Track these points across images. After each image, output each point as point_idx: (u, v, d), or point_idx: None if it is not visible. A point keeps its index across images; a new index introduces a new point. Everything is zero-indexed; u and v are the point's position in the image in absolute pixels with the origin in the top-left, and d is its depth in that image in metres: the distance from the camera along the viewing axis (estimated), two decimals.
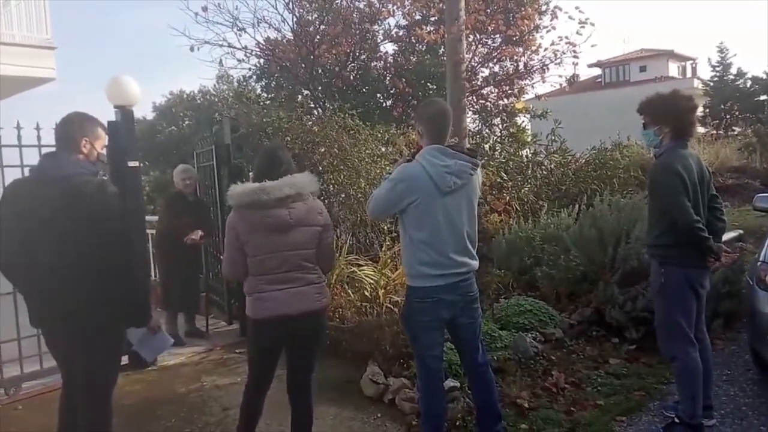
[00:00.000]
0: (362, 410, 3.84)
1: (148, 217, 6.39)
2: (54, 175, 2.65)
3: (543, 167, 8.66)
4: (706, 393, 3.32)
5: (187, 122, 24.03)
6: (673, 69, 34.89)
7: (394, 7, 12.79)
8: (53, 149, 2.87)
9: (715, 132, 23.03)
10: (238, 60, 12.80)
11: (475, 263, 3.09)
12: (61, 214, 2.56)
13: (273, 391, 3.11)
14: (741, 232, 7.73)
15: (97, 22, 57.60)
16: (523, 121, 12.97)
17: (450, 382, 3.68)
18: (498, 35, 11.73)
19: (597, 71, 35.11)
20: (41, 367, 4.35)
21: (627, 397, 3.89)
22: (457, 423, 3.50)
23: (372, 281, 5.34)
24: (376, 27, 13.67)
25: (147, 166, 20.64)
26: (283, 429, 3.38)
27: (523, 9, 11.12)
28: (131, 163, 4.65)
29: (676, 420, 3.28)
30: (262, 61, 13.67)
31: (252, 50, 12.69)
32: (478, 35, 11.48)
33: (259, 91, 15.23)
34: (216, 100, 20.99)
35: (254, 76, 14.82)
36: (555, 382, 4.05)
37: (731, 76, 29.05)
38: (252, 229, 2.83)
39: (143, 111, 26.73)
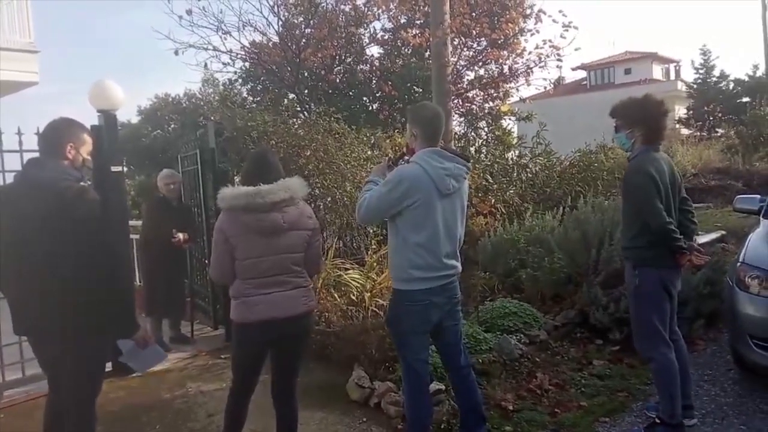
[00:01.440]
0: (348, 414, 3.84)
1: (132, 222, 6.35)
2: (38, 182, 2.64)
3: (528, 170, 8.72)
4: (685, 393, 3.36)
5: (172, 126, 23.89)
6: (657, 71, 35.25)
7: (380, 11, 12.85)
8: (36, 155, 2.85)
9: (698, 133, 23.30)
10: (224, 63, 12.82)
11: (460, 265, 3.12)
12: (45, 221, 2.55)
13: (257, 396, 3.10)
14: (723, 232, 7.83)
15: (83, 26, 57.17)
16: (508, 124, 13.07)
17: (435, 386, 3.69)
18: (483, 38, 11.81)
19: (582, 74, 35.40)
20: (23, 375, 4.32)
21: (610, 397, 3.93)
22: (442, 426, 3.51)
23: (358, 285, 5.34)
24: (361, 30, 13.74)
25: (132, 170, 20.51)
26: None
27: (507, 12, 11.22)
28: (114, 168, 4.62)
29: (657, 420, 3.32)
30: (247, 64, 13.69)
31: (237, 53, 12.70)
32: (463, 38, 11.54)
33: (245, 94, 15.23)
34: (202, 103, 20.94)
35: (240, 80, 14.82)
36: (539, 384, 4.08)
37: (714, 79, 29.38)
38: (244, 231, 2.82)
39: (128, 114, 26.53)
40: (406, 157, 3.27)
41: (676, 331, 3.45)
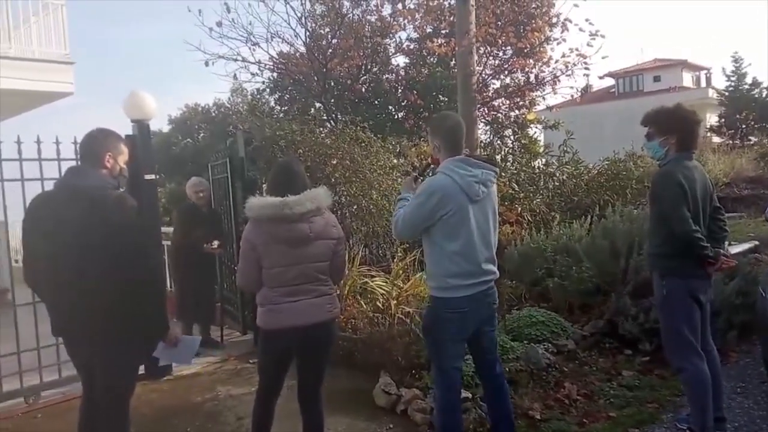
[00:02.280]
0: (374, 420, 3.86)
1: (163, 229, 6.49)
2: (77, 189, 2.73)
3: (555, 178, 8.66)
4: (717, 405, 3.30)
5: (202, 135, 24.33)
6: (688, 79, 34.73)
7: (405, 21, 12.93)
8: (73, 163, 2.94)
9: (730, 142, 22.88)
10: (252, 74, 13.02)
11: (497, 271, 3.14)
12: (82, 227, 2.64)
13: (284, 400, 3.16)
14: (756, 243, 7.66)
15: (115, 37, 58.62)
16: (534, 132, 13.00)
17: (462, 393, 3.69)
18: (509, 47, 11.81)
19: (610, 81, 35.03)
20: (60, 377, 4.44)
21: (640, 409, 3.88)
22: None
23: (384, 292, 5.37)
24: (387, 40, 13.84)
25: (162, 178, 20.90)
26: None
27: (533, 21, 11.21)
28: (147, 176, 4.74)
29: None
30: (275, 74, 13.88)
31: (265, 64, 12.89)
32: (488, 47, 11.57)
33: (272, 103, 15.44)
34: (230, 113, 21.28)
35: (267, 90, 15.03)
36: (567, 394, 4.05)
37: (746, 86, 28.86)
38: (271, 241, 2.88)
39: (159, 124, 27.06)
40: (432, 167, 3.30)
41: (710, 341, 3.39)
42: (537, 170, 8.98)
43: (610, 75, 33.47)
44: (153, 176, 4.88)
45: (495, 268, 3.10)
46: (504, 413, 3.21)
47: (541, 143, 13.03)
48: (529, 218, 7.44)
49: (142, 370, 3.85)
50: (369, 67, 13.90)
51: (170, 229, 6.41)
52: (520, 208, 7.52)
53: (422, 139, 10.11)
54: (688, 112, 3.34)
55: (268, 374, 3.12)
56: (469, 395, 3.78)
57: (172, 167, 21.29)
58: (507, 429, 3.21)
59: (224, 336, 5.97)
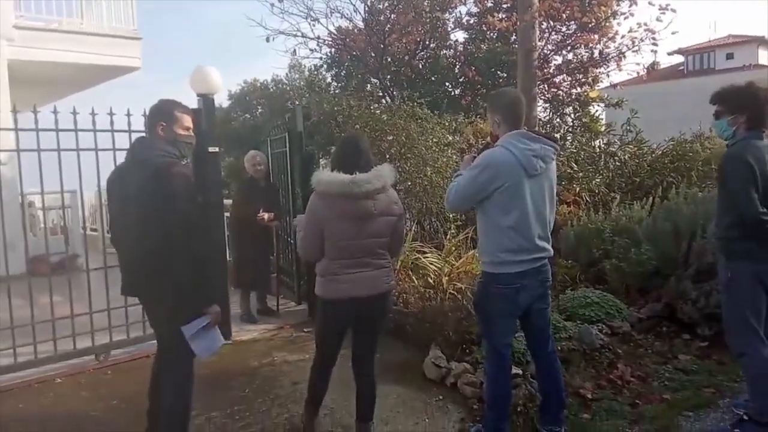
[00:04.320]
0: (425, 391, 3.93)
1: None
2: (137, 158, 2.92)
3: (616, 158, 8.40)
4: None
5: (260, 110, 24.80)
6: (764, 56, 32.65)
7: None
8: (141, 134, 3.11)
9: None
10: (311, 50, 13.14)
11: (551, 248, 3.11)
12: (137, 195, 2.80)
13: (339, 369, 3.25)
14: None
15: (179, 14, 60.13)
16: (596, 111, 12.59)
17: (513, 370, 3.71)
18: (573, 22, 11.44)
19: (679, 58, 33.39)
20: (128, 336, 4.71)
21: (696, 393, 3.80)
22: (519, 409, 3.52)
23: (436, 268, 5.40)
24: (447, 15, 13.61)
25: (222, 151, 21.43)
26: (347, 404, 3.52)
27: None
28: (211, 149, 4.91)
29: (745, 417, 3.19)
30: (333, 50, 13.94)
31: (324, 40, 12.97)
32: (551, 22, 11.24)
33: (329, 80, 15.53)
34: (288, 88, 21.56)
35: (325, 66, 15.11)
36: (620, 375, 4.01)
37: None
38: (336, 216, 2.94)
39: (219, 99, 27.69)
40: (491, 146, 3.28)
41: None
42: (597, 149, 8.73)
43: (680, 52, 31.87)
44: (216, 149, 5.04)
45: (549, 246, 3.08)
46: (555, 389, 3.22)
47: (603, 122, 12.61)
48: (588, 198, 7.28)
49: None
50: (427, 42, 13.75)
51: (229, 202, 6.63)
52: (578, 188, 7.36)
53: (479, 116, 10.00)
54: (759, 89, 3.19)
55: (325, 344, 3.21)
56: (520, 372, 3.79)
57: (230, 141, 21.81)
58: (557, 405, 3.22)
59: (280, 306, 6.16)
